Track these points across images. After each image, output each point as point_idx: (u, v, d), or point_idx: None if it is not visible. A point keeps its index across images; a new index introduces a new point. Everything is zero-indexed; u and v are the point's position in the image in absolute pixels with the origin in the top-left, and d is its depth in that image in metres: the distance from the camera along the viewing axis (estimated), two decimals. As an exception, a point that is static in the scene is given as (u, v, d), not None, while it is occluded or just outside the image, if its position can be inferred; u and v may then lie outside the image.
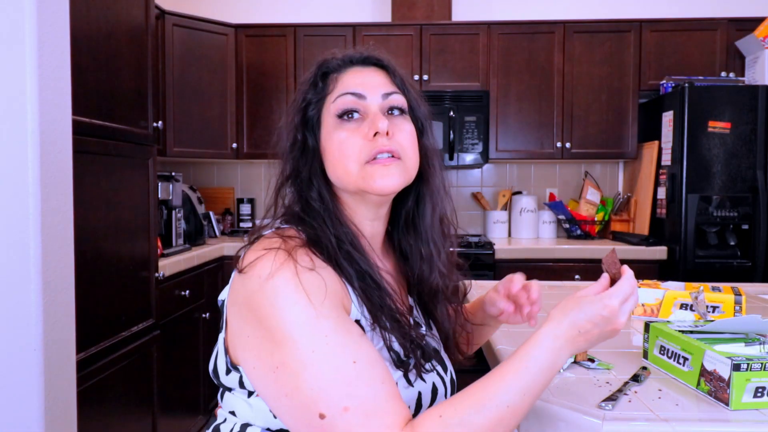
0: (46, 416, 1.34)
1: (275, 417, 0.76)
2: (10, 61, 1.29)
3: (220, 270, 3.04)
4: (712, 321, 1.06)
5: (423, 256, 0.90)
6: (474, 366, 1.02)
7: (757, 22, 3.07)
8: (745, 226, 2.82)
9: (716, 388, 0.88)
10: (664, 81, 3.10)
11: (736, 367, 0.84)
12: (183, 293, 2.52)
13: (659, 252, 2.97)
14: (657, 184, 3.10)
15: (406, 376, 0.79)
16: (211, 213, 3.35)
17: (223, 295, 0.83)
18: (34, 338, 1.32)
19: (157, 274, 2.17)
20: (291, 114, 0.87)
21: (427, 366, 0.83)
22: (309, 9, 3.63)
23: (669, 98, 2.98)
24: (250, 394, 0.78)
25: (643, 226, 3.20)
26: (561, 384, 0.95)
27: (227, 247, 3.07)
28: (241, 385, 0.79)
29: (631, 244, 3.06)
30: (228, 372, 0.80)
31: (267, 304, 0.70)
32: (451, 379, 0.90)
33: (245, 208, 3.61)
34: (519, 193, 3.51)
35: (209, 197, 3.65)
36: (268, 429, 0.78)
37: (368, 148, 0.79)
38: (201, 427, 2.86)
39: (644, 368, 1.03)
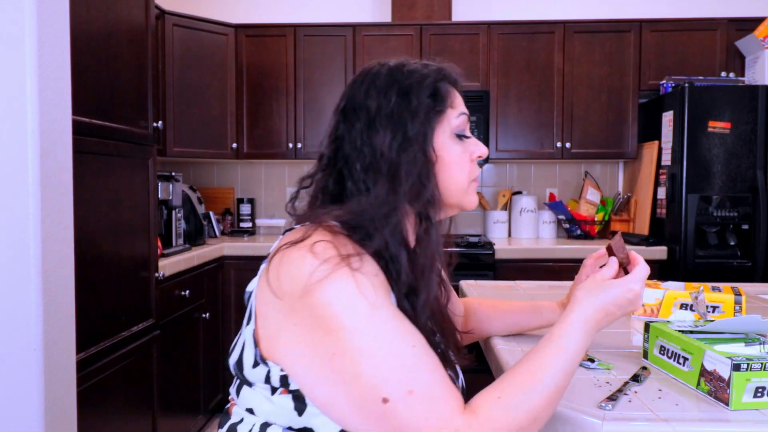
0: (46, 416, 1.34)
1: (300, 415, 0.75)
2: (10, 61, 1.29)
3: (220, 270, 3.04)
4: (712, 321, 1.06)
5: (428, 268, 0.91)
6: (476, 366, 1.02)
7: (757, 22, 3.07)
8: (745, 226, 2.82)
9: (716, 388, 0.88)
10: (664, 81, 3.10)
11: (736, 367, 0.84)
12: (183, 293, 2.52)
13: (659, 252, 2.97)
14: (657, 184, 3.10)
15: None
16: (211, 213, 3.35)
17: (252, 287, 0.82)
18: (34, 338, 1.32)
19: (157, 274, 2.17)
20: (399, 115, 0.82)
21: (451, 373, 0.83)
22: (309, 9, 3.63)
23: (669, 98, 2.98)
24: (274, 391, 0.76)
25: (643, 226, 3.20)
26: (561, 384, 0.95)
27: (227, 247, 3.08)
28: (267, 380, 0.77)
29: (631, 244, 3.06)
30: (255, 365, 0.78)
31: (320, 293, 0.70)
32: (462, 387, 0.91)
33: (245, 208, 3.61)
34: (519, 193, 3.51)
35: (209, 197, 3.65)
36: (290, 428, 0.76)
37: (473, 168, 0.88)
38: (201, 427, 2.86)
39: (644, 368, 1.03)
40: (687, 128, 2.81)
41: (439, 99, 0.85)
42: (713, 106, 2.80)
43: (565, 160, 3.40)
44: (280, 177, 3.70)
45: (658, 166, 3.09)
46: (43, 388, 1.33)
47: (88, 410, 1.67)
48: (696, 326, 1.04)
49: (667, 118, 2.97)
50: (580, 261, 1.10)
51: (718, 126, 2.80)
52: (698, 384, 0.92)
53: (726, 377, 0.85)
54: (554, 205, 3.40)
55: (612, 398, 0.87)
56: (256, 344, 0.78)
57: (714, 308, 1.31)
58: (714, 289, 1.38)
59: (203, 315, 2.79)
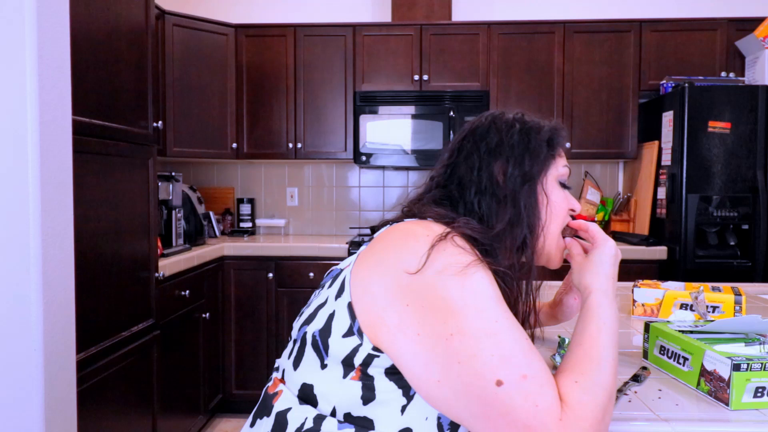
0: (46, 416, 1.34)
1: (365, 404, 0.74)
2: (10, 61, 1.29)
3: (220, 270, 3.04)
4: (712, 321, 1.06)
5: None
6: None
7: (757, 22, 3.07)
8: (745, 226, 2.82)
9: (716, 388, 0.88)
10: (664, 81, 3.10)
11: (736, 367, 0.84)
12: (183, 293, 2.52)
13: (659, 252, 2.97)
14: (657, 184, 3.10)
15: None
16: (211, 213, 3.35)
17: (344, 264, 0.84)
18: (34, 338, 1.32)
19: (157, 274, 2.17)
20: (520, 150, 0.91)
21: None
22: (309, 9, 3.63)
23: (669, 98, 2.98)
24: (346, 374, 0.76)
25: (643, 226, 3.20)
26: (561, 384, 0.95)
27: (227, 247, 3.08)
28: (348, 356, 0.75)
29: (631, 244, 3.06)
30: (348, 335, 0.76)
31: (443, 277, 0.72)
32: None
33: (245, 208, 3.61)
34: (519, 193, 3.51)
35: (209, 197, 3.65)
36: (348, 414, 0.76)
37: (566, 220, 0.95)
38: (201, 427, 2.86)
39: (644, 368, 1.03)
40: (687, 128, 2.81)
41: (553, 145, 0.94)
42: (713, 106, 2.80)
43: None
44: (280, 177, 3.70)
45: (658, 166, 3.09)
46: (43, 388, 1.33)
47: (88, 410, 1.68)
48: (696, 326, 1.04)
49: (667, 118, 2.97)
50: (580, 261, 1.10)
51: (718, 126, 2.80)
52: (698, 384, 0.92)
53: (726, 377, 0.85)
54: (554, 205, 3.39)
55: (612, 398, 0.87)
56: (354, 317, 0.77)
57: (714, 308, 1.31)
58: (714, 289, 1.38)
59: (203, 315, 2.79)
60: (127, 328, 1.96)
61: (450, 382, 0.70)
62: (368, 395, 0.75)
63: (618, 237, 3.28)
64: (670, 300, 1.35)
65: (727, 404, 0.85)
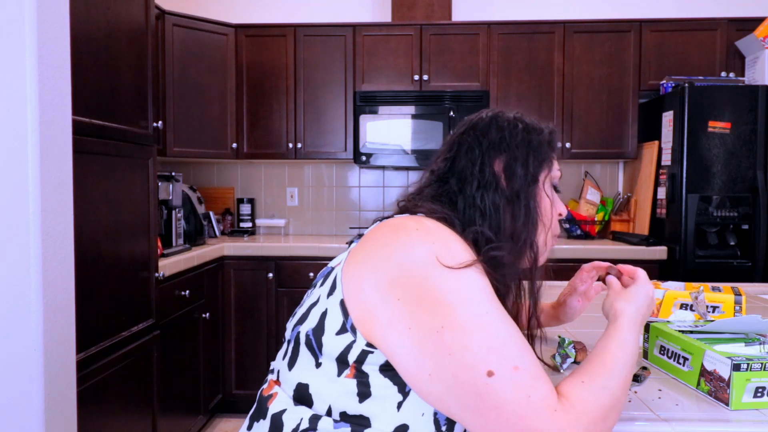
0: (46, 416, 1.34)
1: (362, 401, 0.74)
2: (10, 61, 1.29)
3: (220, 270, 3.04)
4: (712, 321, 1.06)
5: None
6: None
7: (757, 22, 3.07)
8: (745, 226, 2.82)
9: (716, 388, 0.88)
10: (664, 81, 3.10)
11: (736, 367, 0.84)
12: (183, 293, 2.52)
13: (659, 252, 2.97)
14: (657, 184, 3.10)
15: None
16: (211, 213, 3.35)
17: (336, 262, 0.84)
18: (34, 338, 1.32)
19: (157, 274, 2.17)
20: (522, 146, 0.92)
21: None
22: (309, 9, 3.63)
23: (669, 98, 2.98)
24: (341, 371, 0.76)
25: (643, 226, 3.20)
26: (561, 384, 0.95)
27: (227, 247, 3.08)
28: (341, 354, 0.75)
29: (631, 244, 3.06)
30: (341, 332, 0.76)
31: (434, 270, 0.73)
32: None
33: (245, 208, 3.61)
34: (519, 193, 3.51)
35: (209, 197, 3.65)
36: (344, 412, 0.76)
37: (555, 223, 0.98)
38: (201, 427, 2.86)
39: (644, 368, 1.03)
40: (687, 128, 2.81)
41: (553, 147, 0.96)
42: (713, 106, 2.80)
43: (565, 160, 3.40)
44: (280, 177, 3.70)
45: (658, 166, 3.09)
46: (43, 388, 1.34)
47: (88, 410, 1.68)
48: (696, 326, 1.04)
49: (667, 118, 2.97)
50: (579, 261, 1.11)
51: (718, 126, 2.80)
52: (698, 384, 0.92)
53: (726, 377, 0.85)
54: (554, 205, 3.39)
55: (612, 398, 0.87)
56: (347, 314, 0.77)
57: (714, 308, 1.31)
58: (714, 289, 1.38)
59: (203, 315, 2.79)
60: (127, 328, 1.96)
61: (441, 375, 0.70)
62: (363, 393, 0.75)
63: (618, 237, 3.28)
64: (670, 300, 1.34)
65: (727, 404, 0.85)
